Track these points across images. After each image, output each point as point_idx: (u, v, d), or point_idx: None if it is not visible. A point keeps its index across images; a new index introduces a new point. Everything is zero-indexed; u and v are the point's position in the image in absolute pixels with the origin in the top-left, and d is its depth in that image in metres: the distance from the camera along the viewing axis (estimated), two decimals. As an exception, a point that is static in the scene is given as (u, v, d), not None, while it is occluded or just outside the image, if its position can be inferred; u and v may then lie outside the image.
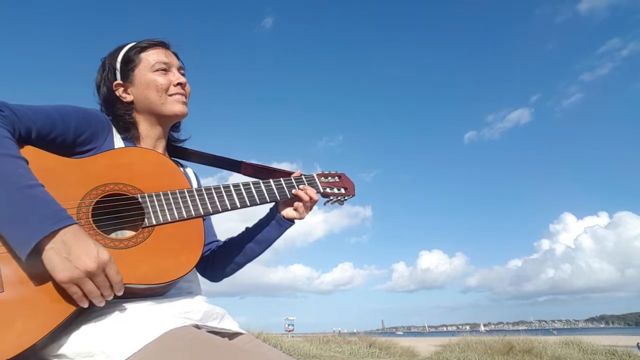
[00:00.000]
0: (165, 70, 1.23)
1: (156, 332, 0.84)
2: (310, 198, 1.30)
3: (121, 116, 1.21)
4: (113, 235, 0.99)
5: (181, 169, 1.36)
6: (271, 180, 1.26)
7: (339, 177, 1.43)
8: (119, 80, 1.22)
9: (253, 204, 1.19)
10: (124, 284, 0.87)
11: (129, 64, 1.22)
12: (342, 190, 1.41)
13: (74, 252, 0.78)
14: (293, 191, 1.28)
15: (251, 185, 1.21)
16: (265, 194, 1.22)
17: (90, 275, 0.79)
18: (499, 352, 8.12)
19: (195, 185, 1.38)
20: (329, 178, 1.41)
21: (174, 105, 1.23)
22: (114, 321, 0.87)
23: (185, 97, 1.27)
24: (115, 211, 0.99)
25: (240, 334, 1.11)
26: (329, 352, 9.41)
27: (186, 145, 1.40)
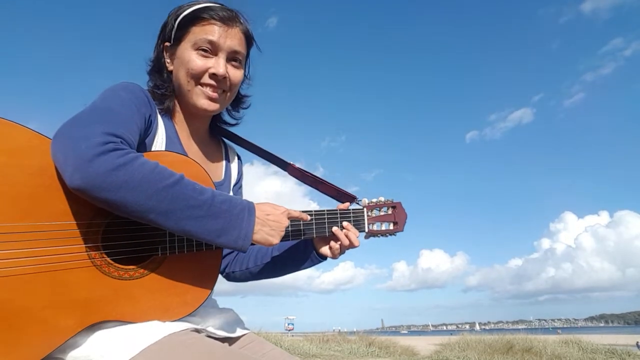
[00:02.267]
0: (209, 52, 1.05)
1: (155, 336, 0.82)
2: (350, 243, 1.14)
3: (159, 87, 1.08)
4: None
5: (224, 162, 1.24)
6: (313, 212, 1.10)
7: (394, 207, 1.26)
8: (169, 43, 1.09)
9: (285, 239, 1.03)
10: (119, 319, 0.86)
11: (181, 30, 1.07)
12: (391, 226, 1.25)
13: (271, 223, 0.94)
14: (333, 229, 1.13)
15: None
16: (302, 231, 1.08)
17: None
18: (499, 351, 8.12)
19: (234, 179, 1.26)
20: (381, 210, 1.24)
21: (198, 98, 1.07)
22: (112, 326, 0.86)
23: (217, 93, 1.08)
24: (128, 235, 0.90)
25: (243, 334, 1.10)
26: (328, 351, 9.41)
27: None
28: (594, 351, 8.18)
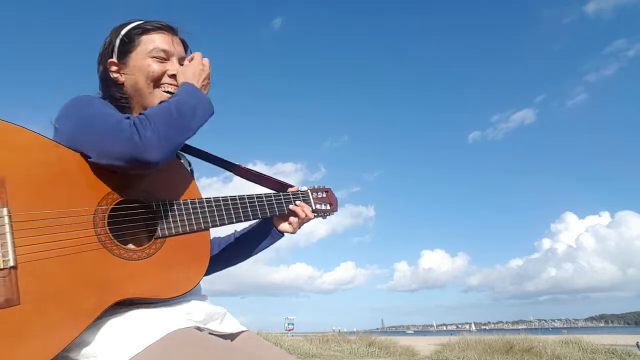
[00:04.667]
0: (164, 58, 1.15)
1: (159, 333, 0.84)
2: (306, 215, 1.34)
3: (117, 99, 1.15)
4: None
5: (181, 159, 1.33)
6: (272, 194, 1.30)
7: (326, 191, 1.49)
8: (114, 59, 1.16)
9: (255, 217, 1.23)
10: (135, 297, 0.90)
11: (128, 44, 1.15)
12: (328, 207, 1.47)
13: (203, 81, 1.13)
14: (290, 207, 1.33)
15: (255, 200, 1.24)
16: (267, 209, 1.27)
17: None
18: (499, 351, 8.12)
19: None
20: (319, 193, 1.47)
21: (158, 100, 1.12)
22: (116, 323, 0.88)
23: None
24: (130, 219, 0.98)
25: (242, 331, 1.12)
26: (328, 352, 9.43)
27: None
28: (594, 351, 8.18)
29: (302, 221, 1.37)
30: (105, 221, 0.92)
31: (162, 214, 1.00)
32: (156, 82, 1.15)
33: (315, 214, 1.43)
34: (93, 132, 0.92)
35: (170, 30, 1.19)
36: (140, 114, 0.96)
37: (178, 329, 0.86)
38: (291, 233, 1.37)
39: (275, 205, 1.30)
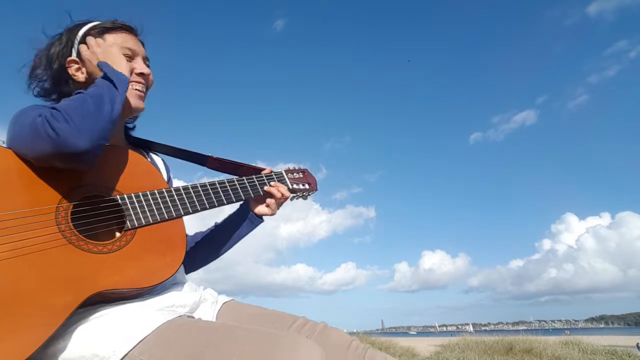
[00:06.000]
0: (129, 57, 1.14)
1: (151, 326, 0.82)
2: (282, 195, 1.32)
3: (68, 96, 1.10)
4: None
5: (148, 158, 1.30)
6: (244, 178, 1.27)
7: (303, 172, 1.47)
8: (73, 57, 1.12)
9: (230, 202, 1.20)
10: (113, 289, 0.87)
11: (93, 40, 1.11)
12: (307, 186, 1.45)
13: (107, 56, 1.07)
14: (265, 188, 1.30)
15: (226, 184, 1.21)
16: (241, 192, 1.24)
17: None
18: (499, 352, 8.10)
19: (164, 172, 1.32)
20: (295, 174, 1.44)
21: (130, 97, 1.12)
22: (101, 323, 0.85)
23: (144, 91, 1.18)
24: (95, 214, 0.95)
25: (224, 303, 1.14)
26: (328, 352, 9.36)
27: (150, 136, 1.33)
28: (594, 352, 8.15)
29: (279, 201, 1.34)
30: (69, 218, 0.90)
31: (129, 206, 0.99)
32: None
33: (294, 194, 1.40)
34: (20, 140, 0.90)
35: (132, 30, 1.19)
36: (52, 107, 0.90)
37: (170, 319, 0.85)
38: (270, 215, 1.34)
39: (249, 188, 1.26)
